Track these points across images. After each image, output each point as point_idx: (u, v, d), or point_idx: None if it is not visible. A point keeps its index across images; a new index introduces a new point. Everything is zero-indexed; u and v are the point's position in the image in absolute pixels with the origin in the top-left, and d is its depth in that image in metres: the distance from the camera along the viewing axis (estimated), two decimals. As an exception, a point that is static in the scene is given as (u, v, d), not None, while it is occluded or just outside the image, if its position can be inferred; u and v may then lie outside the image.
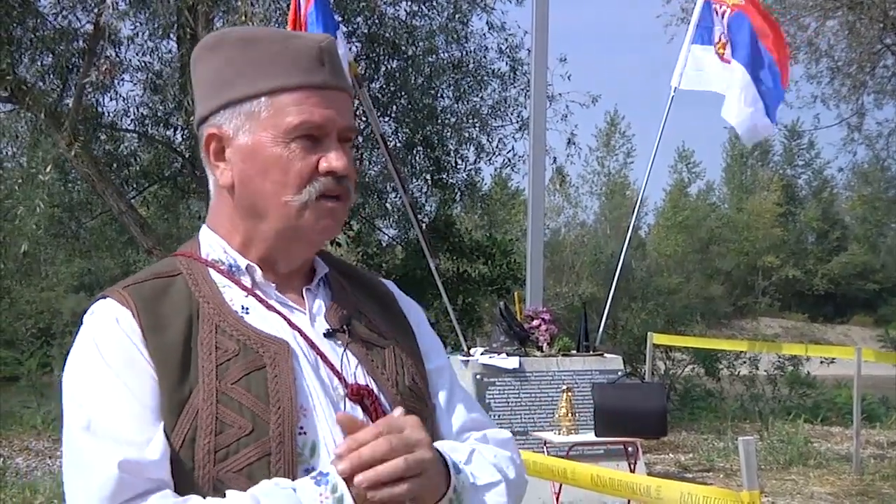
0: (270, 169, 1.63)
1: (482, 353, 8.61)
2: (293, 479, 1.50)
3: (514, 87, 15.81)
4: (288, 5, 8.68)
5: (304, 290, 1.72)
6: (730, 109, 9.06)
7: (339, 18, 12.82)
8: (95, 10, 11.78)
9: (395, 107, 15.58)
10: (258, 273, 1.66)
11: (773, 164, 57.90)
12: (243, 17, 10.19)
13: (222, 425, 1.50)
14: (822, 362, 16.89)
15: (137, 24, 12.92)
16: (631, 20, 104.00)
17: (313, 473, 1.50)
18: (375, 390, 1.66)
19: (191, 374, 1.53)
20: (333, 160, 1.64)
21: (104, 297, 1.62)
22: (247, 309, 1.62)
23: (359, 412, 1.62)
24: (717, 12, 9.27)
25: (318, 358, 1.63)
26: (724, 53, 9.24)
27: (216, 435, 1.50)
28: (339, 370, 1.64)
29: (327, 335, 1.68)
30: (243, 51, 1.66)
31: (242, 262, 1.67)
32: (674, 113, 9.52)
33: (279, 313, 1.64)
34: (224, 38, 1.71)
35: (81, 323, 1.63)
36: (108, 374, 1.53)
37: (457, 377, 1.88)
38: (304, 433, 1.55)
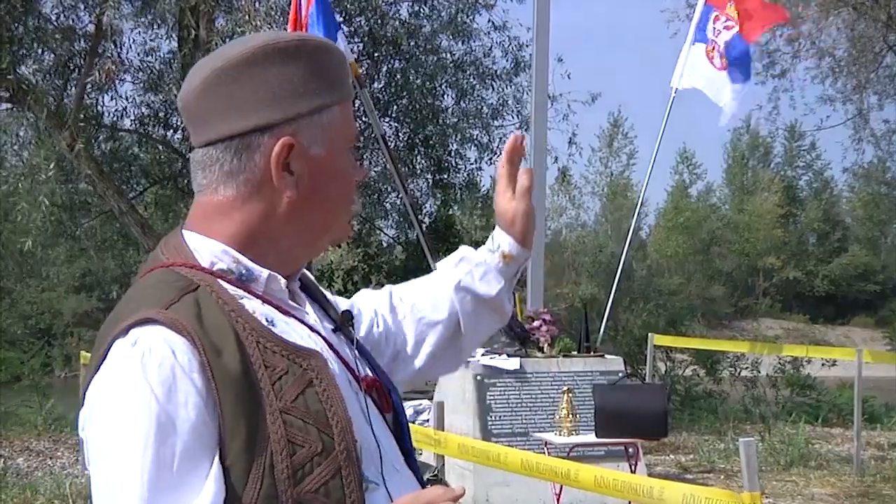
0: (339, 179, 1.64)
1: (483, 354, 8.61)
2: (362, 491, 1.51)
3: (513, 85, 15.85)
4: (289, 4, 8.67)
5: (298, 290, 1.72)
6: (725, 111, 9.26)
7: (340, 18, 12.83)
8: (97, 10, 11.79)
9: (395, 107, 15.59)
10: (282, 282, 1.62)
11: (774, 165, 57.89)
12: (247, 17, 10.20)
13: (294, 447, 1.47)
14: (823, 364, 16.86)
15: (139, 24, 12.94)
16: (634, 20, 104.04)
17: None
18: (381, 381, 1.70)
19: (256, 397, 1.48)
20: (363, 171, 1.70)
21: (147, 323, 1.48)
22: (271, 321, 1.57)
23: (371, 404, 1.65)
24: (717, 19, 9.30)
25: (335, 356, 1.63)
26: (713, 57, 9.31)
27: (291, 457, 1.47)
28: (353, 366, 1.66)
29: (333, 331, 1.69)
30: (320, 59, 1.63)
31: (262, 272, 1.61)
32: (675, 114, 9.54)
33: (296, 317, 1.63)
34: (304, 44, 1.64)
35: (109, 348, 1.49)
36: (163, 427, 1.43)
37: None
38: (356, 441, 1.55)
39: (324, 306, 1.77)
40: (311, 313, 1.68)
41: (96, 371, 1.49)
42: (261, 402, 1.47)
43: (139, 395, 1.43)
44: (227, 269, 1.59)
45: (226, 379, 1.46)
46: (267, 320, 1.56)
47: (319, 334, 1.63)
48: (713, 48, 9.28)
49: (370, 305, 1.94)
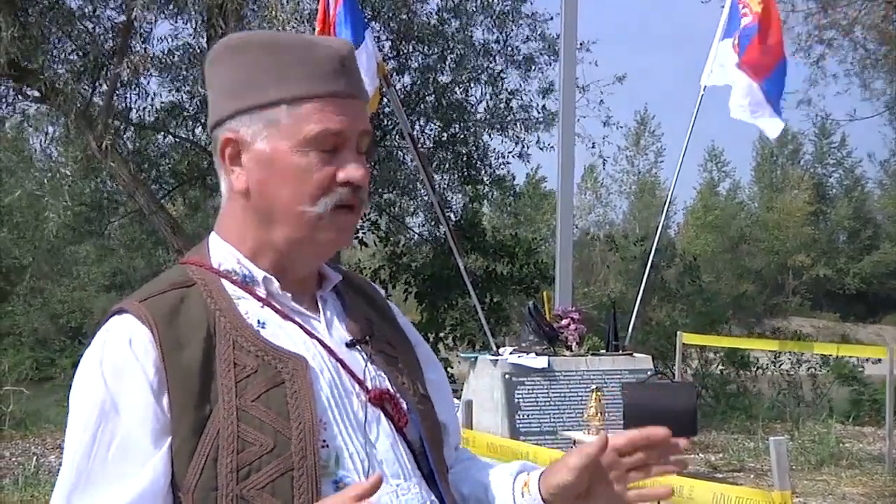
0: (288, 178, 1.60)
1: (511, 353, 8.60)
2: (318, 492, 1.52)
3: (539, 80, 15.83)
4: (317, 2, 8.69)
5: (317, 298, 1.72)
6: (741, 109, 8.99)
7: (369, 16, 12.84)
8: (125, 9, 11.87)
9: (424, 105, 15.58)
10: (275, 285, 1.65)
11: (803, 162, 57.48)
12: (274, 13, 10.22)
13: (243, 443, 1.50)
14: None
15: (168, 23, 13.03)
16: (663, 17, 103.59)
17: None
18: (397, 395, 1.68)
19: (211, 392, 1.52)
20: (352, 171, 1.62)
21: (121, 312, 1.59)
22: (263, 323, 1.61)
23: (381, 417, 1.65)
24: (742, 14, 9.20)
25: (339, 366, 1.64)
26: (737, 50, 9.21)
27: (238, 453, 1.50)
28: (361, 377, 1.65)
29: (349, 345, 1.69)
30: (266, 56, 1.63)
31: (259, 274, 1.65)
32: (703, 111, 9.46)
33: (296, 322, 1.64)
34: (250, 40, 1.68)
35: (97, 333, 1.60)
36: (105, 411, 1.52)
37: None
38: (327, 446, 1.56)
39: (357, 318, 1.75)
40: (322, 322, 1.69)
41: None
42: (214, 398, 1.52)
43: (91, 378, 1.55)
44: (231, 270, 1.66)
45: (180, 371, 1.52)
46: (258, 322, 1.61)
47: (322, 342, 1.64)
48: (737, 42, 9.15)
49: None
